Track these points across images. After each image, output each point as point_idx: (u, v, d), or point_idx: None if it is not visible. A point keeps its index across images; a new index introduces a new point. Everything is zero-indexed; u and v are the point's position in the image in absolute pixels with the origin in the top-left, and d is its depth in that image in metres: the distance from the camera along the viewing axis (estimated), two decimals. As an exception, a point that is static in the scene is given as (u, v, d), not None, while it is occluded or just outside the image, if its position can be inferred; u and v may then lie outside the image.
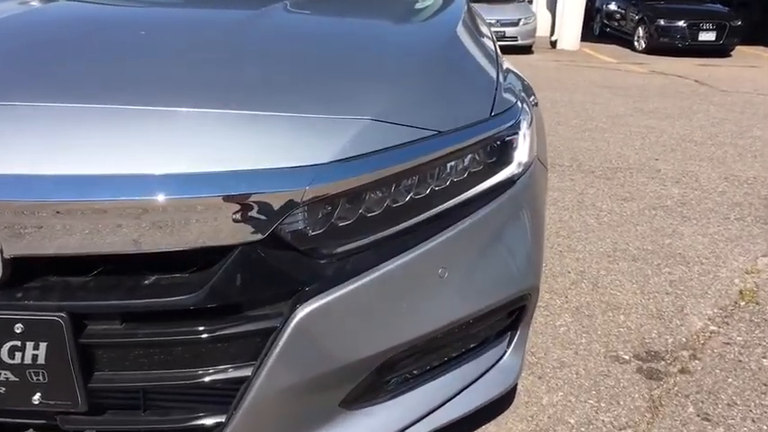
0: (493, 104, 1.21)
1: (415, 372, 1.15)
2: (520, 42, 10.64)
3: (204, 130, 0.94)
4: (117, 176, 0.85)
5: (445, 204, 1.07)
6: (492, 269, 1.13)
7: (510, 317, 1.25)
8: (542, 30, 12.02)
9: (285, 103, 1.02)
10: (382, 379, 1.09)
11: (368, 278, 0.98)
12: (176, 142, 0.91)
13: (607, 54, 10.81)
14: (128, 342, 0.93)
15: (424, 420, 1.16)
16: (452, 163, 1.08)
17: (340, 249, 0.98)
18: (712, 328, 2.00)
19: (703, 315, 2.08)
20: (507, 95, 1.30)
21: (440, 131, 1.07)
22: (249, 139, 0.94)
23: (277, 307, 0.95)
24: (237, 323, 0.94)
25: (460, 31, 1.57)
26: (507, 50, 10.33)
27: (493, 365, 1.25)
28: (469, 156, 1.10)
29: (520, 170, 1.20)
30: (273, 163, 0.91)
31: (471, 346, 1.22)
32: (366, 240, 1.00)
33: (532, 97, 1.66)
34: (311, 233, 0.95)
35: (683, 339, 1.92)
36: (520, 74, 1.77)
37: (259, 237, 0.90)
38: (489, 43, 1.76)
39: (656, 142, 4.53)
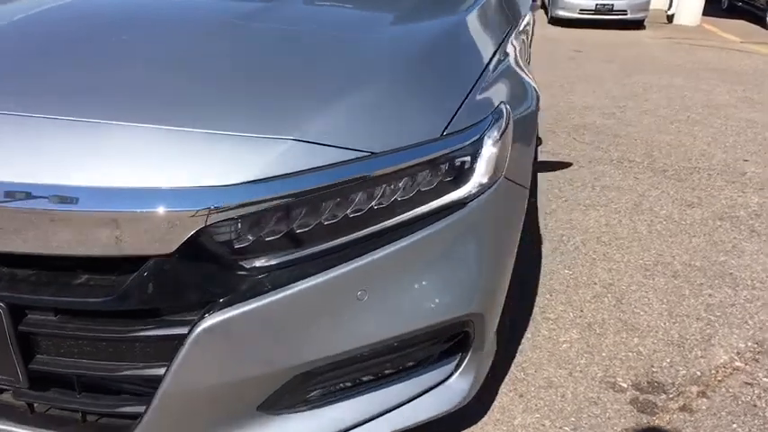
0: (450, 121, 1.16)
1: (342, 385, 1.17)
2: (629, 17, 9.86)
3: (120, 143, 0.99)
4: (33, 185, 0.93)
5: (375, 227, 1.06)
6: (420, 294, 1.11)
7: (451, 340, 1.23)
8: (658, 1, 11.02)
9: (204, 118, 1.03)
10: (303, 388, 1.12)
11: (279, 295, 1.00)
12: (91, 154, 0.97)
13: (730, 31, 9.73)
14: (59, 333, 1.03)
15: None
16: (386, 185, 1.06)
17: (257, 265, 1.01)
18: (737, 363, 1.82)
19: (732, 348, 1.89)
20: (478, 109, 1.23)
21: (373, 153, 1.05)
22: (163, 154, 0.98)
23: (189, 315, 1.01)
24: (149, 327, 1.00)
25: (451, 30, 1.49)
26: (615, 26, 9.66)
27: (435, 386, 1.24)
28: (405, 178, 1.08)
29: (474, 191, 1.15)
30: (184, 180, 0.95)
31: (407, 365, 1.21)
32: (283, 258, 1.02)
33: (533, 103, 1.56)
34: (226, 249, 0.99)
35: (698, 373, 1.77)
36: (528, 77, 1.66)
37: (166, 251, 0.95)
38: (496, 40, 1.66)
39: (752, 140, 4.06)
